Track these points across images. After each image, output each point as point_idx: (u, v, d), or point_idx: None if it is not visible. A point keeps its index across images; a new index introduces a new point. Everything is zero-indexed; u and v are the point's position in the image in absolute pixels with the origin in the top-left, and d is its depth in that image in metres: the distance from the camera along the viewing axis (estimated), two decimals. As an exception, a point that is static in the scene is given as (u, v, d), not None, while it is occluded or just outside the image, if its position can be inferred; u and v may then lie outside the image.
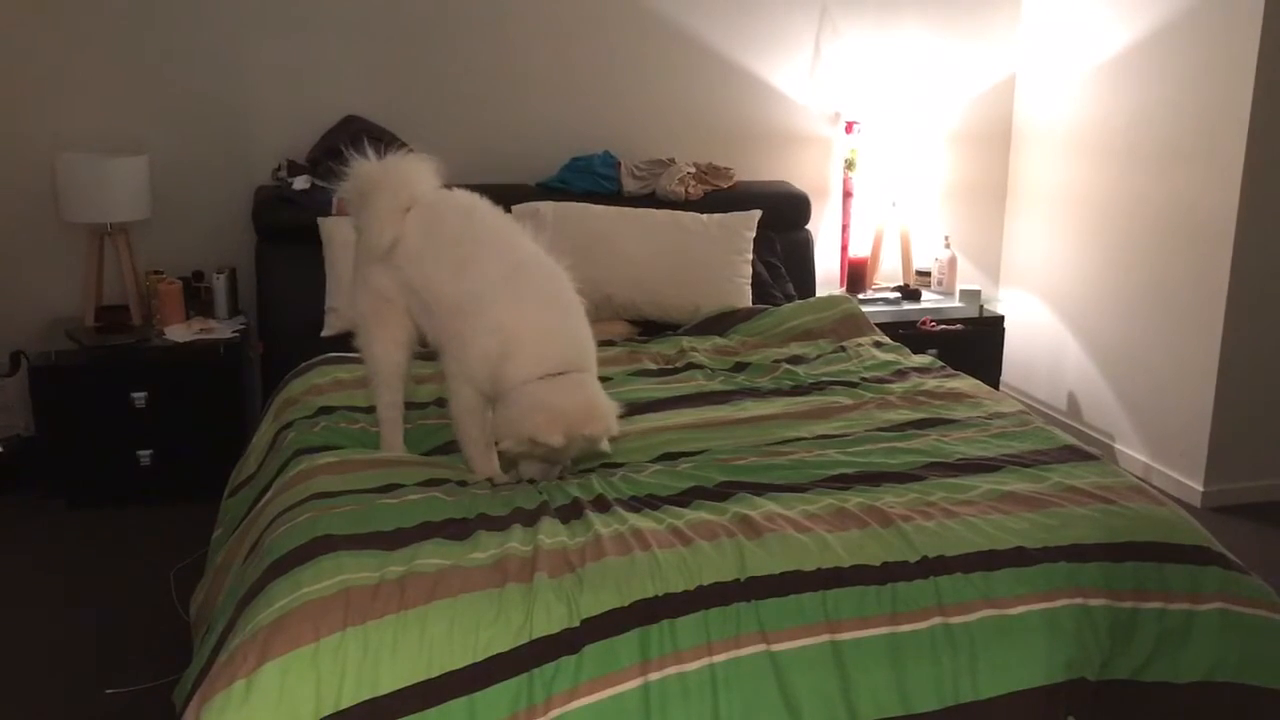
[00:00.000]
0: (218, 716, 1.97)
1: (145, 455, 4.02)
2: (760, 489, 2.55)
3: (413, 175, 2.88)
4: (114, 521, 3.92)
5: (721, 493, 2.53)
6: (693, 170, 4.57)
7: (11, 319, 4.30)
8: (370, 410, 3.03)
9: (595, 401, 2.60)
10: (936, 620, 2.23)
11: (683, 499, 2.51)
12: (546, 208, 4.21)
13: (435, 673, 2.03)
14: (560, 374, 2.59)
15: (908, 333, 4.59)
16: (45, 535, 3.84)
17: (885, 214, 4.96)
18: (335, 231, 4.00)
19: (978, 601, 2.25)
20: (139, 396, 3.97)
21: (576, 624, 2.12)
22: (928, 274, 5.02)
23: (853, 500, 2.49)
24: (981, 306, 4.84)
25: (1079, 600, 2.28)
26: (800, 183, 4.89)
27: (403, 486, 2.57)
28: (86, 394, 3.96)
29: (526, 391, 2.56)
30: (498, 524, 2.40)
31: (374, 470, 2.65)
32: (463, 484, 2.62)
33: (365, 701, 1.99)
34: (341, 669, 2.01)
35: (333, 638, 2.04)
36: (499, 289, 2.66)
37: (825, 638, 2.17)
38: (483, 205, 2.90)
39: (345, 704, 1.98)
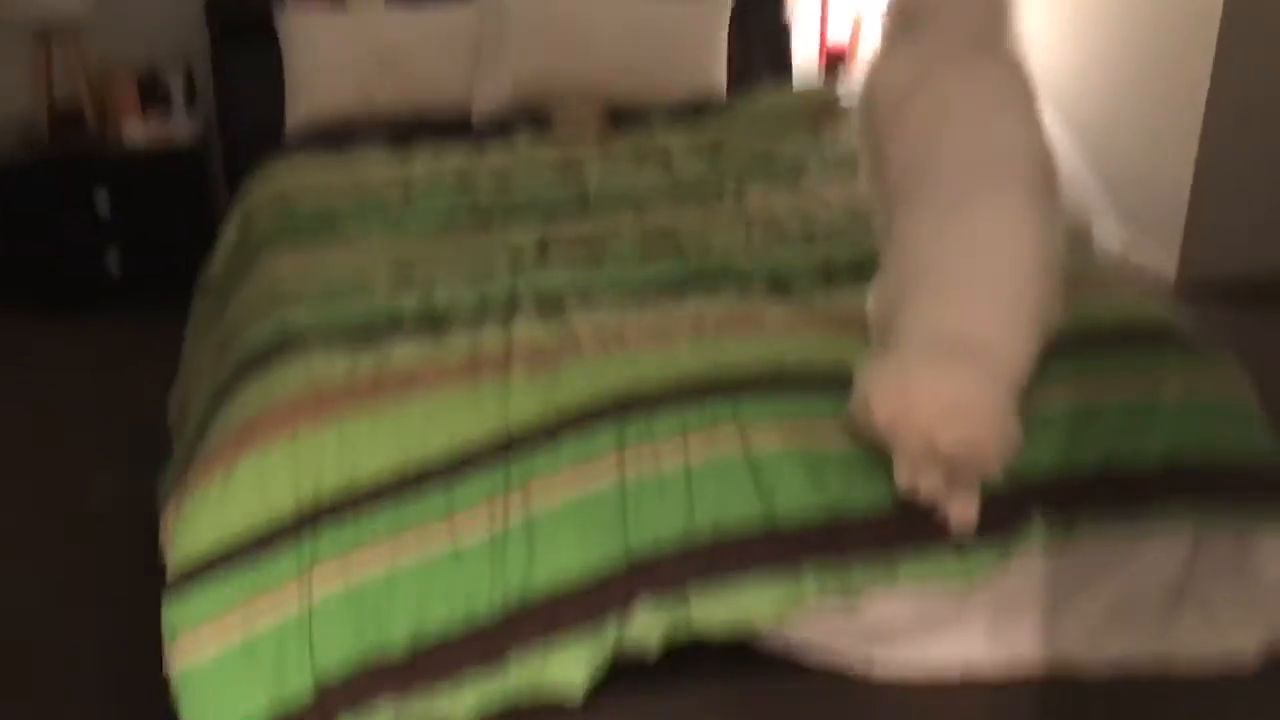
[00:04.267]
0: (198, 508, 2.00)
1: (112, 260, 3.97)
2: (745, 284, 2.52)
3: None
4: (86, 329, 3.90)
5: (708, 288, 2.50)
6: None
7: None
8: (334, 206, 3.00)
9: (966, 399, 1.99)
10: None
11: (667, 293, 2.48)
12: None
13: (412, 464, 2.06)
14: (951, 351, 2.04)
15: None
16: (17, 344, 3.83)
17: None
18: (295, 26, 3.86)
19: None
20: (102, 199, 3.89)
21: (552, 418, 2.13)
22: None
23: (835, 299, 2.47)
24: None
25: (1043, 393, 2.29)
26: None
27: (371, 284, 2.55)
28: (47, 196, 3.88)
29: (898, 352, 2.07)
30: (471, 320, 2.38)
31: (341, 265, 2.62)
32: (433, 279, 2.58)
33: (344, 491, 2.02)
34: (318, 462, 2.03)
35: (308, 431, 2.06)
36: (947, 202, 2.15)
37: (802, 435, 2.19)
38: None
39: (324, 495, 2.01)
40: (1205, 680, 2.30)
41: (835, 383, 2.20)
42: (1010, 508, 2.22)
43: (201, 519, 2.00)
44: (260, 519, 2.00)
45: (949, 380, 1.99)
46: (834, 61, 4.73)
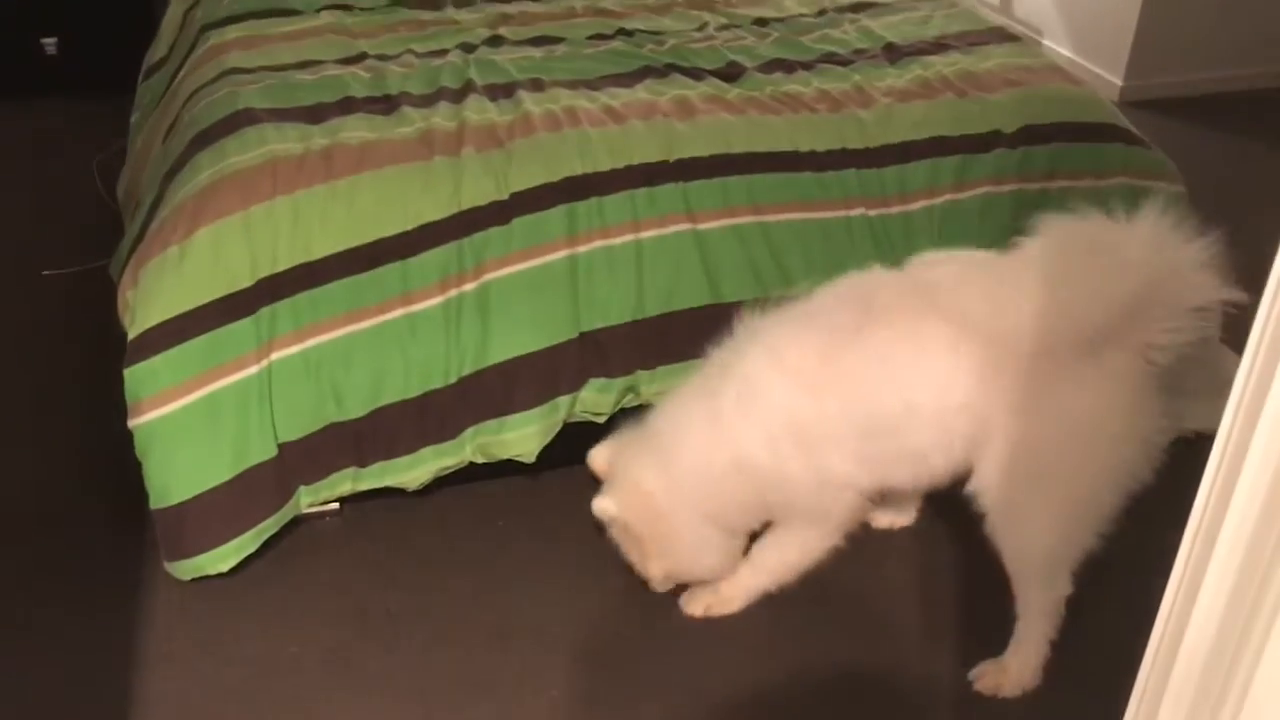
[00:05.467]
0: (156, 279, 2.03)
1: (50, 43, 3.85)
2: (697, 74, 2.53)
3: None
4: (25, 114, 3.80)
5: (659, 76, 2.50)
6: None
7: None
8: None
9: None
10: (858, 211, 2.30)
11: (620, 81, 2.48)
12: None
13: (366, 239, 2.09)
14: None
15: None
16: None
17: None
18: None
19: (893, 196, 2.32)
20: (34, -21, 3.76)
21: (505, 197, 2.16)
22: None
23: (784, 86, 2.48)
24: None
25: (989, 189, 2.36)
26: None
27: (321, 63, 2.52)
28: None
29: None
30: (422, 101, 2.38)
31: (288, 44, 2.58)
32: (383, 59, 2.56)
33: (300, 265, 2.05)
34: (274, 235, 2.05)
35: (262, 205, 2.07)
36: None
37: (750, 219, 2.24)
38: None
39: (281, 267, 2.05)
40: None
41: (781, 164, 2.26)
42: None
43: (159, 290, 2.03)
44: (218, 290, 2.02)
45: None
46: None
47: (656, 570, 1.99)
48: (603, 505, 1.92)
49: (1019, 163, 2.37)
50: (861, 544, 2.09)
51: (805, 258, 2.25)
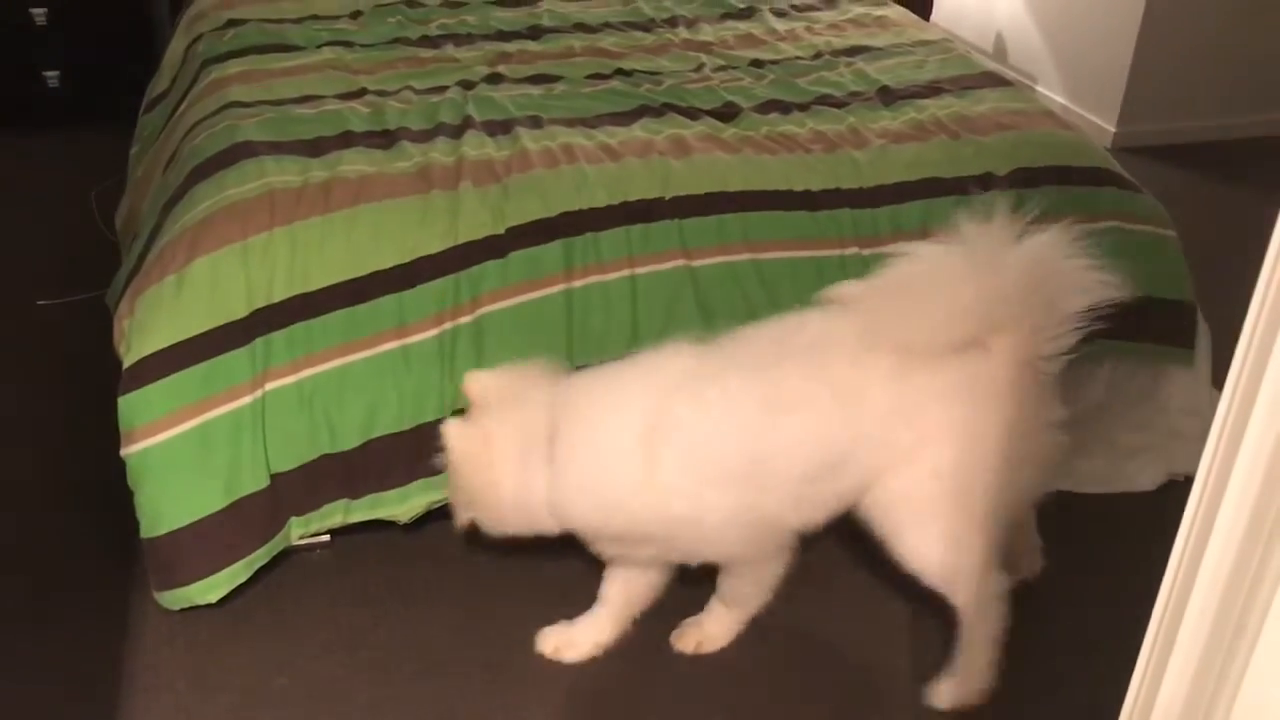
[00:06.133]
0: (152, 308, 2.04)
1: (52, 76, 3.89)
2: (694, 113, 2.56)
3: None
4: (25, 145, 3.83)
5: (656, 115, 2.53)
6: None
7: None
8: (281, 21, 2.96)
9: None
10: (851, 250, 2.32)
11: (617, 119, 2.51)
12: None
13: (363, 272, 2.10)
14: None
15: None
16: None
17: None
18: None
19: (885, 235, 2.34)
20: (39, 12, 3.79)
21: (502, 231, 2.18)
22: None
23: (780, 126, 2.51)
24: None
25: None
26: None
27: (321, 97, 2.55)
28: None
29: None
30: (421, 136, 2.40)
31: (289, 79, 2.61)
32: (383, 94, 2.59)
33: (297, 296, 2.06)
34: (271, 266, 2.07)
35: (260, 236, 2.09)
36: None
37: (745, 256, 2.26)
38: None
39: (277, 298, 2.06)
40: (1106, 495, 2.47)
41: (776, 202, 2.29)
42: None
43: (156, 319, 2.04)
44: (214, 320, 2.03)
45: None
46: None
47: (461, 511, 1.93)
48: (451, 430, 1.84)
49: (1011, 205, 2.38)
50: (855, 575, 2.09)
51: (799, 295, 2.26)
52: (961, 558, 1.88)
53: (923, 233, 2.35)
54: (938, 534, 1.87)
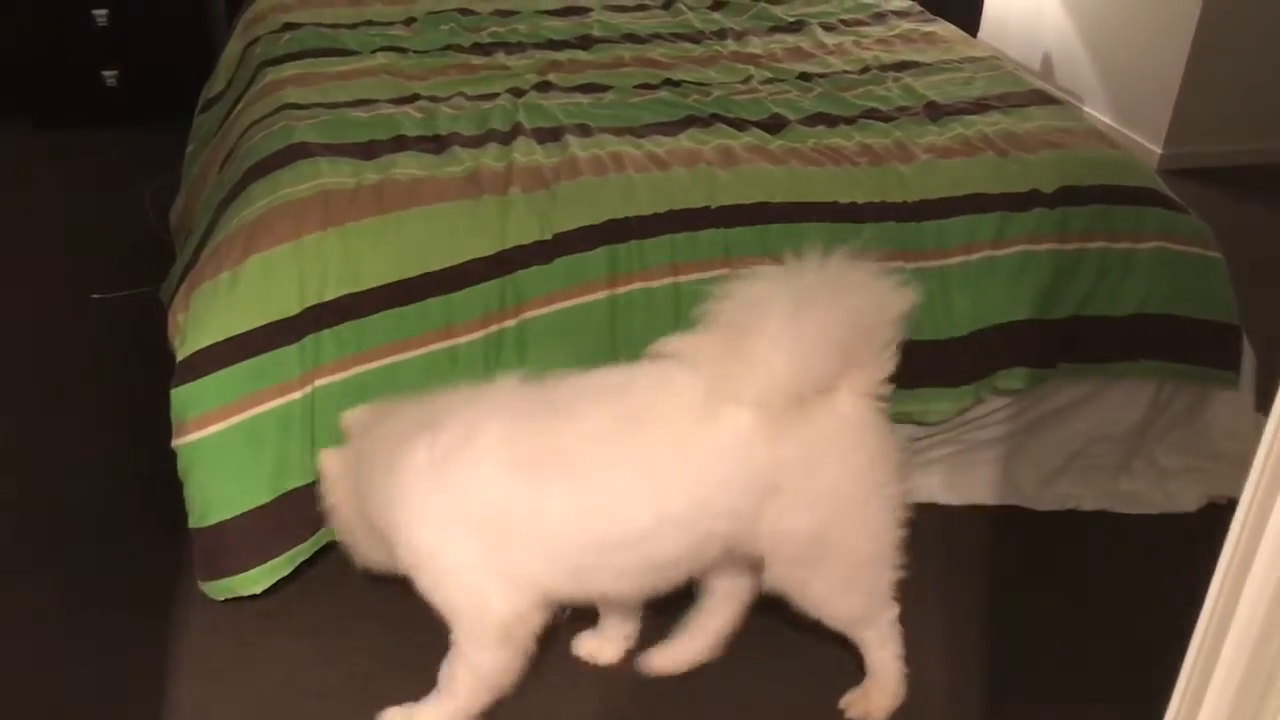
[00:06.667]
0: (207, 303, 2.08)
1: (110, 76, 3.97)
2: (741, 124, 2.58)
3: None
4: (83, 143, 3.91)
5: (704, 125, 2.55)
6: None
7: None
8: (336, 26, 3.01)
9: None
10: (895, 263, 2.32)
11: (664, 129, 2.54)
12: None
13: (413, 273, 2.13)
14: None
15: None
16: (14, 154, 3.84)
17: None
18: None
19: (930, 250, 2.34)
20: (100, 14, 3.87)
21: (549, 237, 2.20)
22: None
23: (826, 139, 2.53)
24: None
25: (1026, 247, 2.38)
26: None
27: (374, 101, 2.59)
28: (45, 7, 3.85)
29: None
30: (472, 141, 2.43)
31: (344, 83, 2.65)
32: (435, 100, 2.63)
33: (347, 295, 2.10)
34: (323, 265, 2.10)
35: (313, 236, 2.12)
36: None
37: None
38: None
39: (328, 296, 2.09)
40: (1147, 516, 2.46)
41: (821, 214, 2.30)
42: (983, 352, 2.34)
43: (210, 314, 2.08)
44: (267, 316, 2.07)
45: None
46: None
47: (355, 556, 1.93)
48: (325, 458, 1.90)
49: (1057, 223, 2.39)
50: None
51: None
52: (860, 601, 1.86)
53: (967, 248, 2.36)
54: (832, 584, 1.82)
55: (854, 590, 1.85)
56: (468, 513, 1.71)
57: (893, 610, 1.91)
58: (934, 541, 2.35)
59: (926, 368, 2.29)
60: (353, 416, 1.91)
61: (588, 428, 1.70)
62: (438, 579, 1.76)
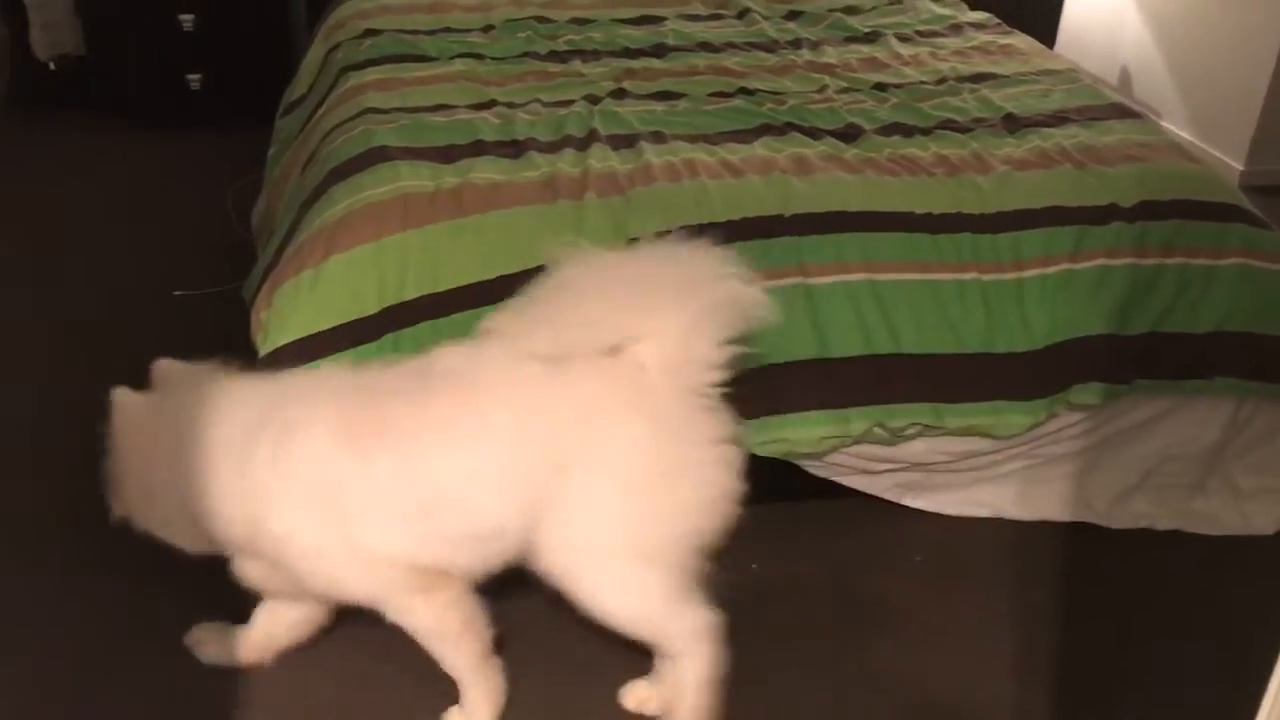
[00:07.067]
0: (290, 300, 2.13)
1: (194, 80, 4.07)
2: (816, 133, 2.58)
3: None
4: (168, 145, 4.01)
5: (778, 134, 2.56)
6: None
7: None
8: (416, 33, 3.06)
9: None
10: (970, 275, 2.31)
11: (738, 137, 2.55)
12: None
13: (491, 274, 2.16)
14: None
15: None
16: (104, 155, 3.95)
17: None
18: None
19: (1006, 262, 2.32)
20: (186, 19, 3.98)
21: (623, 243, 2.22)
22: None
23: (902, 149, 2.52)
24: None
25: (1103, 261, 2.35)
26: None
27: (453, 107, 2.63)
28: (134, 11, 3.97)
29: None
30: (548, 147, 2.47)
31: (423, 88, 2.70)
32: (512, 106, 2.66)
33: (426, 295, 2.14)
34: (403, 266, 2.15)
35: (393, 238, 2.17)
36: None
37: (862, 276, 2.27)
38: None
39: (408, 296, 2.13)
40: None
41: (896, 224, 2.30)
42: (1058, 367, 2.32)
43: (292, 311, 2.13)
44: (347, 314, 2.12)
45: None
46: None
47: (116, 501, 1.83)
48: (120, 398, 1.80)
49: (1136, 237, 2.36)
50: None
51: (915, 317, 2.27)
52: (639, 599, 1.76)
53: (1044, 261, 2.34)
54: (610, 576, 1.75)
55: (629, 585, 1.75)
56: (309, 494, 1.71)
57: (696, 620, 1.77)
58: (1005, 556, 2.34)
59: (1000, 381, 2.27)
60: (164, 367, 1.86)
61: (406, 400, 1.73)
62: (297, 561, 1.76)
